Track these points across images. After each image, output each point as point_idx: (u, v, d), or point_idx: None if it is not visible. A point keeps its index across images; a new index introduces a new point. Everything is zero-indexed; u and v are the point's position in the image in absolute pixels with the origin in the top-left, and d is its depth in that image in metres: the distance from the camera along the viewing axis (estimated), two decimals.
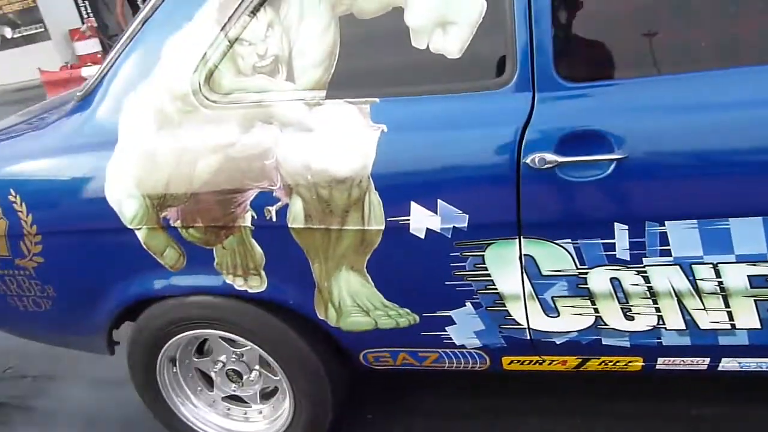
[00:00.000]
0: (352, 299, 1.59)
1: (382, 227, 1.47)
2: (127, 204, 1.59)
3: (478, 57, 1.40)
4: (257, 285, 1.63)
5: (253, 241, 1.57)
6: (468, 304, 1.54)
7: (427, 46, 1.40)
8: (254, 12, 1.48)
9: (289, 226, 1.52)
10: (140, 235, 1.62)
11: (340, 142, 1.46)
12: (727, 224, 1.32)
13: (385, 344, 1.67)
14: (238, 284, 1.64)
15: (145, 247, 1.64)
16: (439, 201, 1.43)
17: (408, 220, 1.45)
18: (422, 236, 1.46)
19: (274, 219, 1.52)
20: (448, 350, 1.65)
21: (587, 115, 1.34)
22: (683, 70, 1.30)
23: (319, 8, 1.45)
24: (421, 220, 1.45)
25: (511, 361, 1.65)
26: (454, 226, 1.44)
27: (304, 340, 1.70)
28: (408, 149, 1.43)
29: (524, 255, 1.45)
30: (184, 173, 1.54)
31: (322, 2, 1.44)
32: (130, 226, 1.61)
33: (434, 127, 1.42)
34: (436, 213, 1.43)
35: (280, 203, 1.51)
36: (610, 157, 1.32)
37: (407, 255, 1.50)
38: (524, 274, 1.47)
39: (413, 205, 1.44)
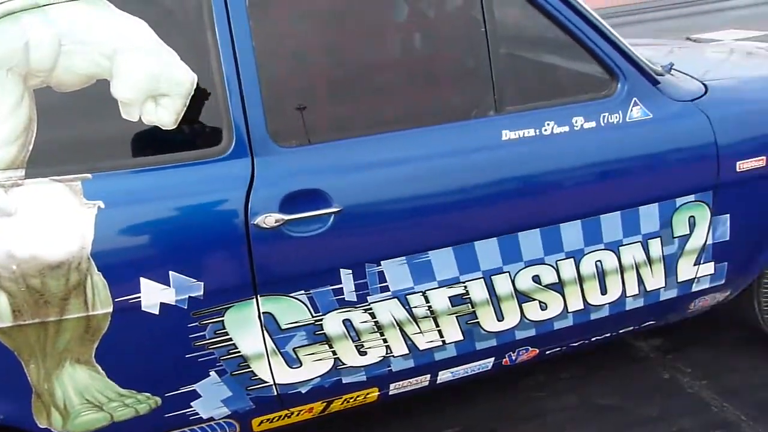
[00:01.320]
0: (80, 396, 1.43)
1: (110, 309, 1.37)
2: None
3: (195, 127, 1.43)
4: None
5: None
6: (212, 373, 1.51)
7: (140, 118, 1.38)
8: None
9: None
10: None
11: (49, 225, 1.33)
12: (428, 257, 1.58)
13: None
14: None
15: None
16: (171, 273, 1.39)
17: (138, 297, 1.38)
18: (156, 312, 1.40)
19: None
20: (195, 427, 1.58)
21: (303, 175, 1.47)
22: (380, 131, 1.54)
23: (6, 81, 1.31)
24: (153, 295, 1.39)
25: (261, 422, 1.66)
26: (189, 296, 1.42)
27: None
28: (131, 224, 1.38)
29: (263, 313, 1.50)
30: None
31: (11, 75, 1.31)
32: None
33: (157, 198, 1.40)
34: (169, 285, 1.40)
35: None
36: (328, 212, 1.46)
37: (141, 335, 1.42)
38: (265, 332, 1.51)
39: (143, 280, 1.38)
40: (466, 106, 1.63)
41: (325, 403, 1.70)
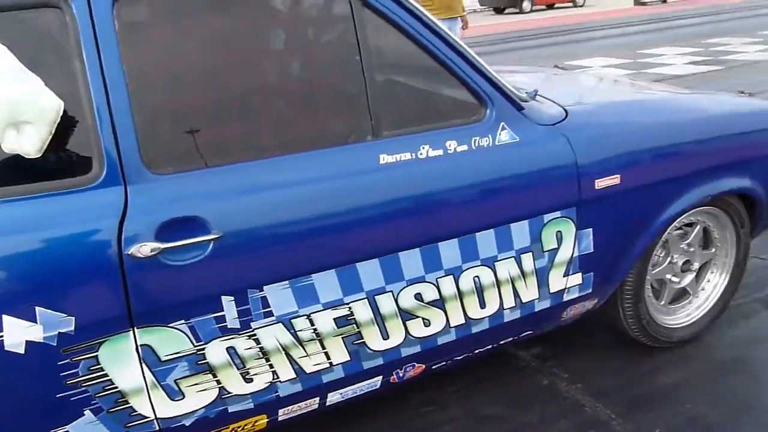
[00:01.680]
0: None
1: None
2: None
3: (62, 155, 1.38)
4: None
5: None
6: (87, 412, 1.44)
7: None
8: None
9: None
10: None
11: None
12: (311, 280, 1.59)
13: None
14: None
15: None
16: (37, 308, 1.32)
17: (1, 336, 1.30)
18: (22, 351, 1.33)
19: None
20: None
21: (180, 202, 1.44)
22: (259, 156, 1.54)
23: None
24: (17, 333, 1.32)
25: None
26: (59, 332, 1.35)
27: None
28: None
29: (141, 345, 1.45)
30: None
31: None
32: None
33: (20, 231, 1.33)
34: (36, 322, 1.33)
35: None
36: (207, 238, 1.45)
37: (5, 376, 1.34)
38: (143, 365, 1.47)
39: (5, 318, 1.30)
40: (345, 132, 1.68)
41: None
